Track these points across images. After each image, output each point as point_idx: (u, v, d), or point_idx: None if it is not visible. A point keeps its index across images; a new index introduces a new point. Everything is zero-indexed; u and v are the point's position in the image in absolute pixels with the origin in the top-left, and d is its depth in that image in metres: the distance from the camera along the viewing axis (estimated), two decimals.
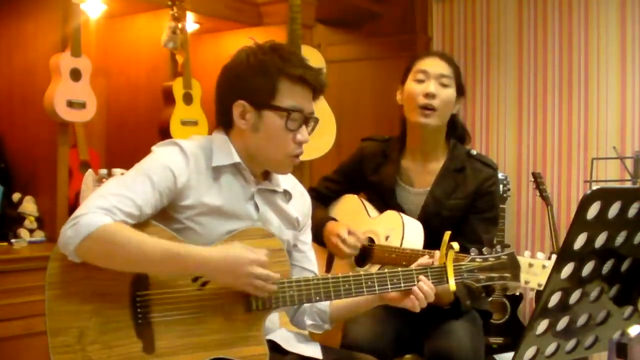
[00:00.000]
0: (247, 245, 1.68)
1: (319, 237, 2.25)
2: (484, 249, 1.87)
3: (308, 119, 1.75)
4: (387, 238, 2.26)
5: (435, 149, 2.36)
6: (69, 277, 1.60)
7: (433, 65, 2.31)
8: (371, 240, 2.32)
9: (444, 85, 2.29)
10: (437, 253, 1.86)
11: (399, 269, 1.79)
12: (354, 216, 2.40)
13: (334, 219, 2.39)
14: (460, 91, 2.35)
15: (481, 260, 1.85)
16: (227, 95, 1.75)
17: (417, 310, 1.79)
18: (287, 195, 1.86)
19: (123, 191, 1.62)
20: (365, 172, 2.41)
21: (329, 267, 2.36)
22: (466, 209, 2.30)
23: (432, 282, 1.79)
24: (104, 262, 1.59)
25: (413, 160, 2.37)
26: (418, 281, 1.78)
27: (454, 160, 2.33)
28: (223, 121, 1.78)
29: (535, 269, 1.89)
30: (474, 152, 2.37)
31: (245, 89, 1.72)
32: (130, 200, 1.61)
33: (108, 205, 1.58)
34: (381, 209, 2.36)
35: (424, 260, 1.85)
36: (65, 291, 1.59)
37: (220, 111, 1.78)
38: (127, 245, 1.57)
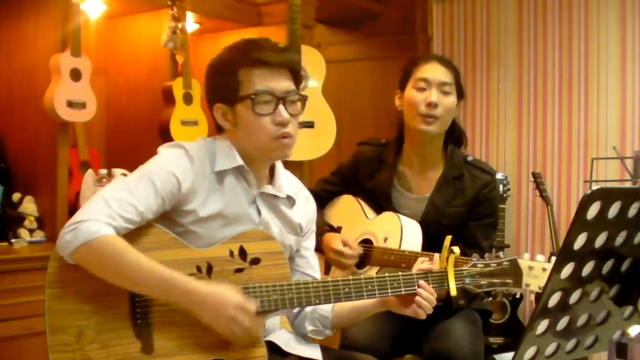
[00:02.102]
0: (247, 247, 1.69)
1: (316, 245, 2.24)
2: (485, 255, 1.87)
3: (283, 99, 1.73)
4: (385, 240, 2.26)
5: (434, 155, 2.35)
6: (69, 277, 1.60)
7: (433, 72, 2.30)
8: (369, 241, 2.32)
9: (446, 93, 2.28)
10: (436, 256, 1.85)
11: (400, 273, 1.78)
12: (352, 217, 2.40)
13: (331, 226, 2.39)
14: (460, 95, 2.35)
15: (483, 265, 1.84)
16: (208, 102, 1.80)
17: (423, 317, 1.79)
18: (290, 200, 1.86)
19: (126, 196, 1.61)
20: (361, 178, 2.41)
21: (327, 269, 2.36)
22: (465, 216, 2.30)
23: (433, 287, 1.79)
24: (95, 272, 1.59)
25: (410, 166, 2.37)
26: (418, 286, 1.77)
27: (452, 168, 2.32)
28: (216, 127, 1.81)
29: (536, 272, 1.89)
30: (471, 158, 2.37)
31: (215, 91, 1.77)
32: (132, 207, 1.61)
33: (110, 212, 1.58)
34: (378, 211, 2.36)
35: (424, 265, 1.84)
36: (65, 290, 1.60)
37: (212, 118, 1.81)
38: (121, 262, 1.57)
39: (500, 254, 1.92)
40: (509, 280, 1.84)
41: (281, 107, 1.72)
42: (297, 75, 1.79)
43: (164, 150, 1.74)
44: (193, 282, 1.61)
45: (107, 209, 1.59)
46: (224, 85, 1.74)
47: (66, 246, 1.57)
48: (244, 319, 1.61)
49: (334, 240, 2.28)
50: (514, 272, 1.85)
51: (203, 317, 1.61)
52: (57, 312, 1.58)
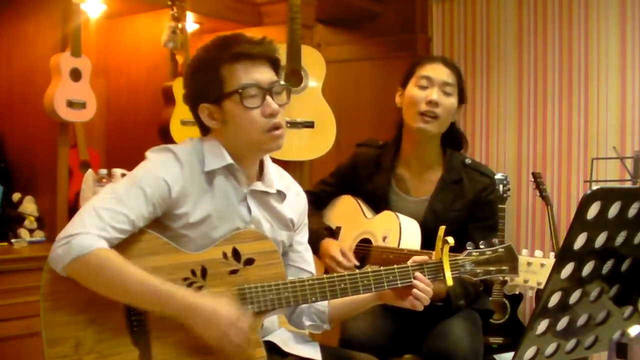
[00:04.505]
0: (241, 248, 1.69)
1: (314, 250, 2.24)
2: (480, 244, 1.86)
3: (269, 90, 1.72)
4: (384, 239, 2.26)
5: (431, 157, 2.34)
6: (62, 288, 1.59)
7: (437, 71, 2.29)
8: (368, 241, 2.32)
9: (447, 94, 2.28)
10: (434, 254, 1.85)
11: (395, 266, 1.77)
12: (351, 217, 2.40)
13: (330, 229, 2.38)
14: (462, 99, 2.34)
15: (478, 254, 1.84)
16: (191, 105, 1.78)
17: (420, 309, 1.79)
18: (281, 195, 1.85)
19: (116, 206, 1.60)
20: (359, 180, 2.41)
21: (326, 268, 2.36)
22: (465, 220, 2.29)
23: (429, 278, 1.78)
24: (88, 285, 1.57)
25: (408, 168, 2.36)
26: (414, 278, 1.77)
27: (451, 172, 2.31)
28: (202, 129, 1.80)
29: (534, 268, 1.89)
30: (469, 161, 2.35)
31: (199, 92, 1.75)
32: (124, 216, 1.60)
33: (101, 223, 1.57)
34: (377, 211, 2.36)
35: (420, 257, 1.84)
36: (60, 302, 1.58)
37: (196, 121, 1.80)
38: (114, 276, 1.55)
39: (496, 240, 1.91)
40: (504, 267, 1.84)
41: (269, 98, 1.72)
42: (277, 65, 1.78)
43: (152, 155, 1.72)
44: (187, 295, 1.60)
45: (98, 220, 1.58)
46: (207, 84, 1.72)
47: (59, 260, 1.56)
48: (236, 335, 1.59)
49: (332, 248, 2.27)
50: (510, 258, 1.85)
51: (195, 329, 1.60)
52: (53, 324, 1.57)
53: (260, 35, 1.78)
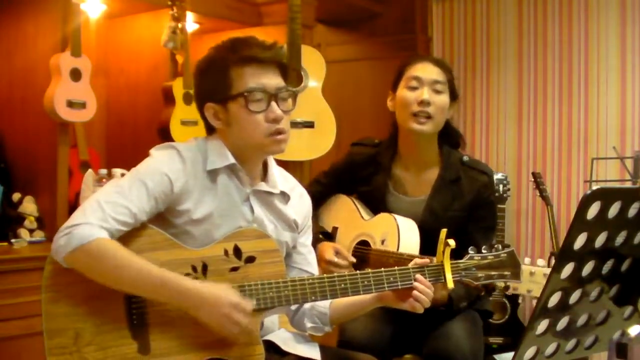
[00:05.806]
0: (242, 245, 1.70)
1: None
2: (483, 248, 1.85)
3: (275, 95, 1.73)
4: (383, 242, 2.24)
5: (429, 157, 2.32)
6: (65, 280, 1.60)
7: (425, 71, 2.27)
8: (366, 243, 2.31)
9: (438, 92, 2.26)
10: (436, 258, 1.84)
11: (396, 267, 1.77)
12: (347, 218, 2.39)
13: (325, 233, 2.37)
14: (454, 96, 2.32)
15: (479, 258, 1.83)
16: (198, 103, 1.79)
17: (421, 311, 1.78)
18: (284, 197, 1.85)
19: (118, 199, 1.62)
20: (356, 181, 2.39)
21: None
22: (465, 220, 2.27)
23: (430, 280, 1.78)
24: (90, 275, 1.59)
25: (406, 168, 2.34)
26: (415, 280, 1.76)
27: (448, 170, 2.29)
28: (207, 128, 1.81)
29: (537, 277, 1.88)
30: (467, 158, 2.33)
31: (206, 91, 1.77)
32: (126, 209, 1.61)
33: (103, 215, 1.59)
34: (373, 212, 2.35)
35: (421, 260, 1.83)
36: (61, 294, 1.60)
37: (202, 119, 1.81)
38: (115, 265, 1.57)
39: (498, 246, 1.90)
40: (506, 273, 1.83)
41: (274, 104, 1.72)
42: (285, 71, 1.79)
43: (155, 151, 1.74)
44: (188, 282, 1.61)
45: (100, 212, 1.59)
46: (215, 84, 1.74)
47: (60, 250, 1.57)
48: (239, 317, 1.60)
49: (326, 251, 2.25)
50: (512, 263, 1.84)
51: (199, 316, 1.61)
52: (54, 315, 1.58)
53: (261, 36, 1.79)
